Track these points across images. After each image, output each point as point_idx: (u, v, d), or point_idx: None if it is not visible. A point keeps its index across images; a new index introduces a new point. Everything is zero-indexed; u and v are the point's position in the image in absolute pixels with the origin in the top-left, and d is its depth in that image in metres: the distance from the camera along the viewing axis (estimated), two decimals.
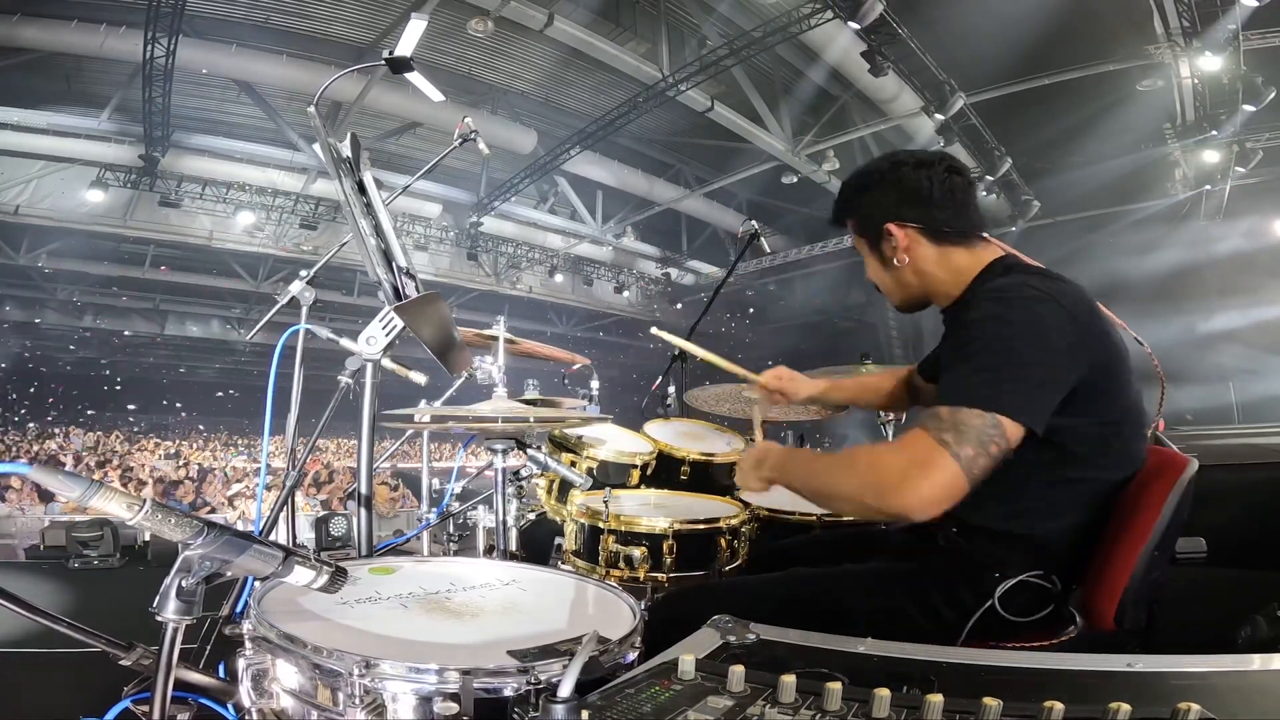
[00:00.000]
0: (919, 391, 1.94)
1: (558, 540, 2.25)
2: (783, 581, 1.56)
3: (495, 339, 2.13)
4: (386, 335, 1.74)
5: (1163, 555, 1.39)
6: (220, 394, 25.77)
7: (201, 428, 24.88)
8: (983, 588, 1.35)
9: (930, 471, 1.17)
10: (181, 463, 14.08)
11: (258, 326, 3.14)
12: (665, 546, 1.94)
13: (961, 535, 1.41)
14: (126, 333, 19.73)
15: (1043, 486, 1.35)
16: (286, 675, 1.01)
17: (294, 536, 2.80)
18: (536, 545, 2.38)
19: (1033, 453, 1.27)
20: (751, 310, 20.15)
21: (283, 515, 2.03)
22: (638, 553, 1.92)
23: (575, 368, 3.02)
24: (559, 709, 0.75)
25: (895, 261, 1.51)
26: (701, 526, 1.99)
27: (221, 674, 1.23)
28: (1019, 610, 1.34)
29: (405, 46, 2.67)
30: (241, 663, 1.05)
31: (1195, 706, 0.65)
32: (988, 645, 1.43)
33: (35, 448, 14.91)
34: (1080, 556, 1.39)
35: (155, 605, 0.92)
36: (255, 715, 1.04)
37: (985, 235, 1.53)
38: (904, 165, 1.49)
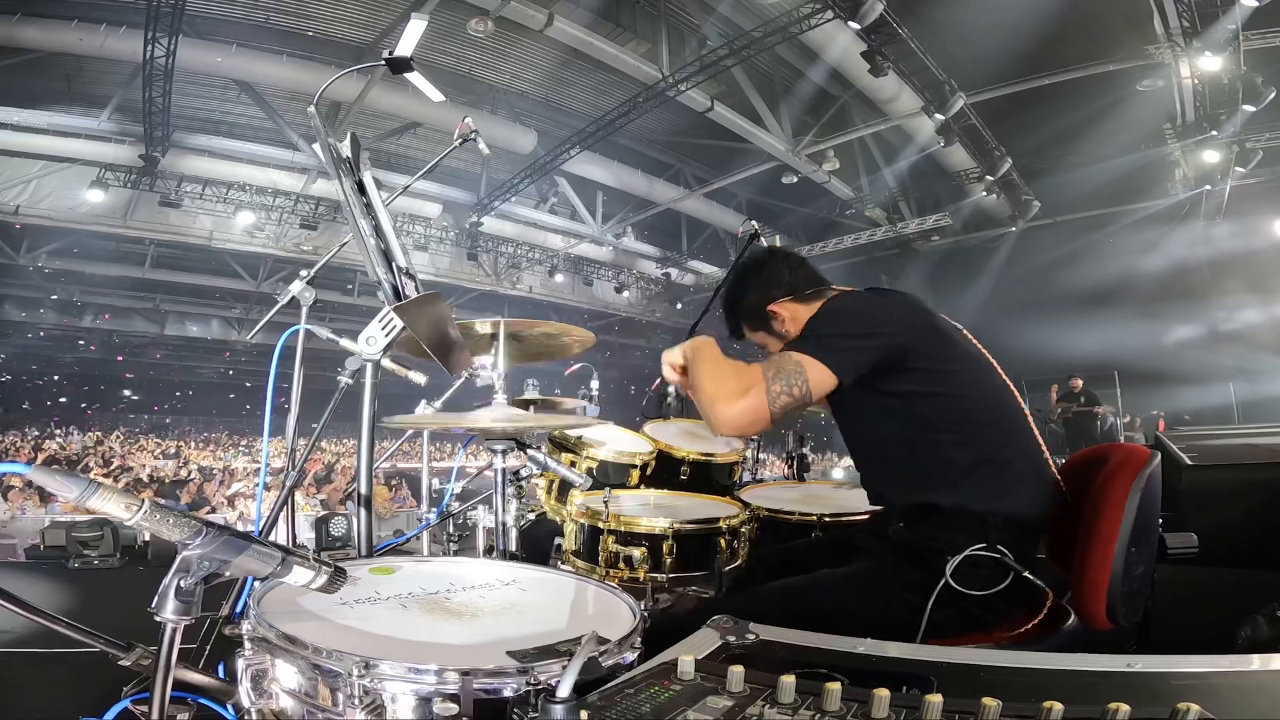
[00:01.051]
0: None
1: (557, 540, 2.24)
2: (762, 594, 1.66)
3: (495, 337, 2.13)
4: (386, 335, 1.73)
5: (1142, 550, 1.43)
6: (220, 394, 25.78)
7: (201, 428, 24.89)
8: (937, 571, 1.44)
9: (745, 396, 1.47)
10: (182, 463, 14.09)
11: (258, 326, 3.14)
12: (665, 547, 1.94)
13: (907, 528, 1.54)
14: (126, 333, 19.73)
15: (941, 460, 1.52)
16: (286, 675, 1.01)
17: (294, 537, 2.80)
18: (536, 545, 2.37)
19: (897, 422, 1.56)
20: None
21: (283, 515, 2.03)
22: (637, 553, 1.92)
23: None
24: (558, 709, 0.75)
25: (790, 331, 1.76)
26: (701, 527, 1.99)
27: (221, 674, 1.23)
28: (980, 587, 1.44)
29: (405, 46, 2.67)
30: (241, 663, 1.04)
31: (1195, 706, 0.65)
32: (984, 635, 1.47)
33: (34, 448, 14.92)
34: (1025, 534, 1.50)
35: (154, 605, 0.92)
36: (255, 715, 1.04)
37: (833, 286, 1.84)
38: (750, 269, 1.85)
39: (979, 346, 1.69)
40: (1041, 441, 1.62)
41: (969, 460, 1.51)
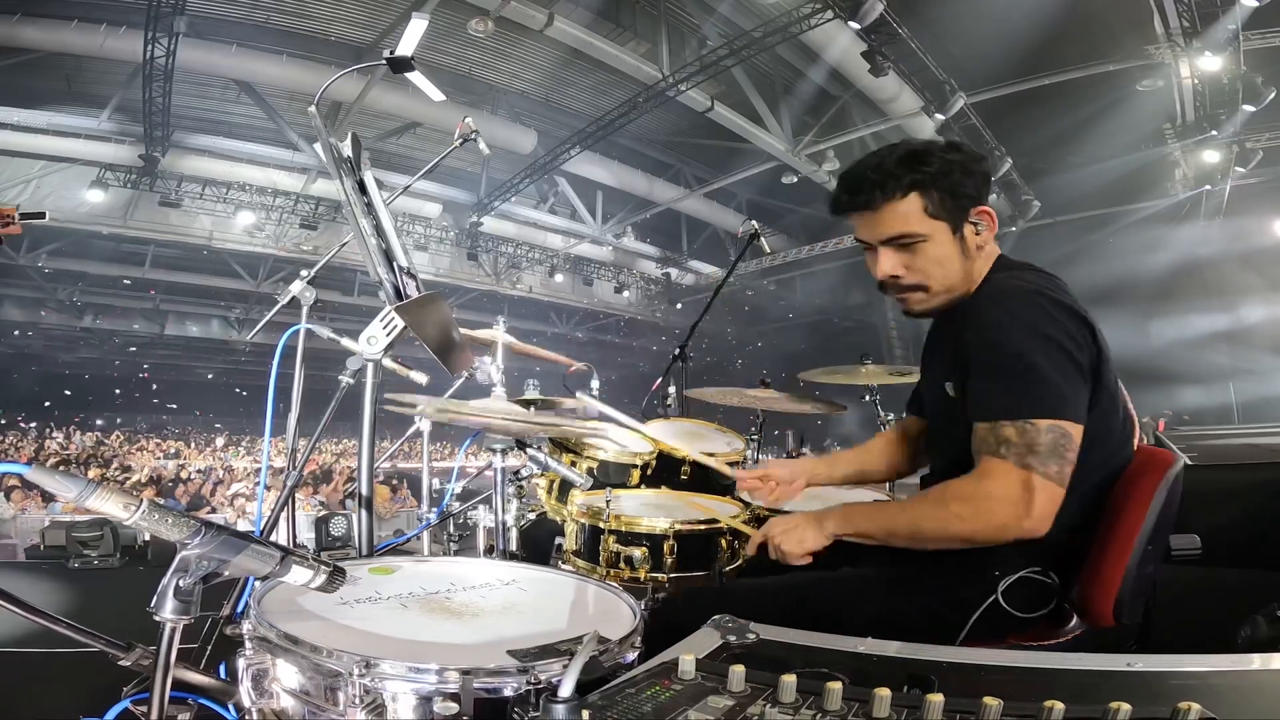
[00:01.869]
0: (917, 438, 1.84)
1: (558, 540, 2.24)
2: (782, 586, 1.54)
3: (494, 342, 2.14)
4: (387, 335, 1.73)
5: (1155, 550, 1.42)
6: (220, 394, 25.77)
7: (201, 428, 24.89)
8: (983, 585, 1.36)
9: (1033, 501, 1.23)
10: (182, 463, 14.09)
11: (258, 326, 3.14)
12: (666, 547, 1.94)
13: None
14: (126, 332, 19.73)
15: None
16: (287, 675, 1.01)
17: (294, 536, 2.80)
18: (537, 545, 2.37)
19: None
20: (751, 310, 20.15)
21: (283, 515, 2.03)
22: (638, 553, 1.92)
23: (573, 369, 3.02)
24: (559, 709, 0.75)
25: (976, 250, 1.41)
26: (702, 527, 1.99)
27: (222, 674, 1.23)
28: (1020, 607, 1.36)
29: (406, 46, 2.67)
30: (242, 663, 1.04)
31: (1195, 706, 0.65)
32: (987, 641, 1.45)
33: (34, 448, 14.92)
34: (1075, 553, 1.41)
35: (153, 605, 0.92)
36: (256, 715, 1.04)
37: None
38: (955, 158, 1.38)
39: None
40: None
41: (1077, 481, 1.32)
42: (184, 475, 11.29)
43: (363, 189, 1.81)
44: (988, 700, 0.68)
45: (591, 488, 2.11)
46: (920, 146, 1.39)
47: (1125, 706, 0.65)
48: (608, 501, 1.96)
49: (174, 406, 26.65)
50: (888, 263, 1.41)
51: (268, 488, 3.87)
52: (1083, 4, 8.41)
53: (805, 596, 1.48)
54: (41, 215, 2.53)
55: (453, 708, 0.92)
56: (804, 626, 1.08)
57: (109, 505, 0.87)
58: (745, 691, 0.79)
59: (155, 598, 0.92)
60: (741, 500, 2.29)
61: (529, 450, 1.90)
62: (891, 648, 1.01)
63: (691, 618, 1.09)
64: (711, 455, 2.62)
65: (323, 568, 1.05)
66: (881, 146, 1.45)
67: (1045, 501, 1.23)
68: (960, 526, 1.29)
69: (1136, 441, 1.54)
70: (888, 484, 2.79)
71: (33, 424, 20.51)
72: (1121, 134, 10.75)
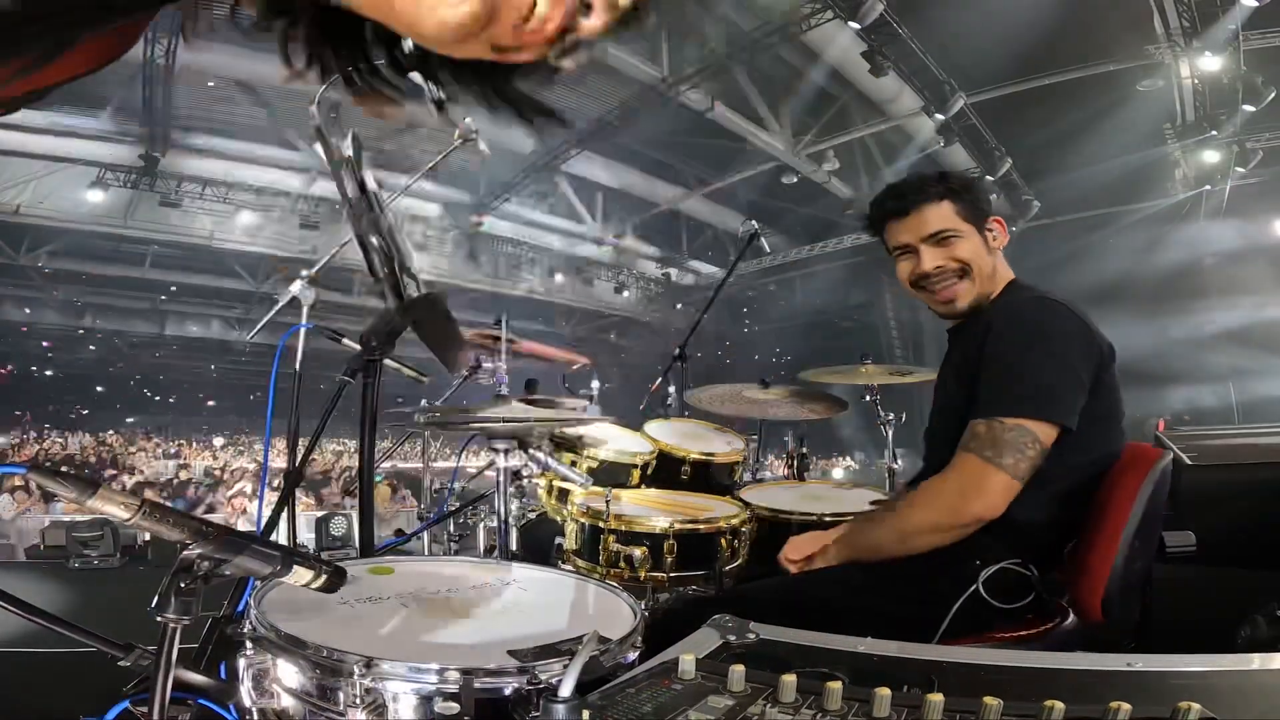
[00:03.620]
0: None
1: (558, 540, 2.24)
2: (778, 585, 1.62)
3: (497, 339, 2.14)
4: (387, 335, 1.73)
5: (1144, 546, 1.44)
6: (220, 394, 25.77)
7: (202, 428, 24.88)
8: (963, 576, 1.42)
9: (984, 487, 1.38)
10: (182, 463, 14.09)
11: (258, 326, 3.14)
12: (666, 546, 1.94)
13: None
14: (126, 332, 19.73)
15: (1043, 476, 1.43)
16: (287, 675, 1.01)
17: (294, 536, 2.80)
18: (537, 545, 2.37)
19: None
20: (751, 310, 20.15)
21: (283, 515, 2.03)
22: (638, 553, 1.92)
23: (576, 368, 3.02)
24: (559, 709, 0.75)
25: (994, 249, 1.67)
26: (702, 526, 1.99)
27: (222, 674, 1.23)
28: (1000, 598, 1.43)
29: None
30: (242, 663, 1.04)
31: (1195, 706, 0.65)
32: (978, 637, 1.47)
33: (34, 448, 14.92)
34: (1056, 546, 1.50)
35: (154, 605, 0.92)
36: (256, 715, 1.04)
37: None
38: (974, 183, 1.71)
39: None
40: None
41: (1052, 479, 1.46)
42: (184, 475, 11.29)
43: (363, 189, 1.80)
44: (988, 700, 0.68)
45: (591, 487, 2.11)
46: (941, 173, 1.71)
47: (1125, 706, 0.65)
48: (608, 501, 1.96)
49: (174, 406, 26.65)
50: (930, 257, 1.65)
51: (274, 488, 3.87)
52: (1083, 4, 8.42)
53: (799, 594, 1.55)
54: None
55: (453, 707, 0.92)
56: (798, 624, 1.09)
57: (110, 506, 0.87)
58: (745, 691, 0.79)
59: (156, 598, 0.92)
60: (742, 500, 2.29)
61: (530, 450, 1.90)
62: (892, 648, 1.01)
63: (691, 618, 1.10)
64: (711, 455, 2.64)
65: (324, 568, 1.05)
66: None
67: (997, 489, 1.38)
68: (923, 516, 1.45)
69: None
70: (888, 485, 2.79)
71: (32, 424, 20.51)
72: (1121, 134, 10.74)
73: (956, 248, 1.64)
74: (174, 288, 16.73)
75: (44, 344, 20.76)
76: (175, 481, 10.37)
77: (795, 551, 1.64)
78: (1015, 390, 1.41)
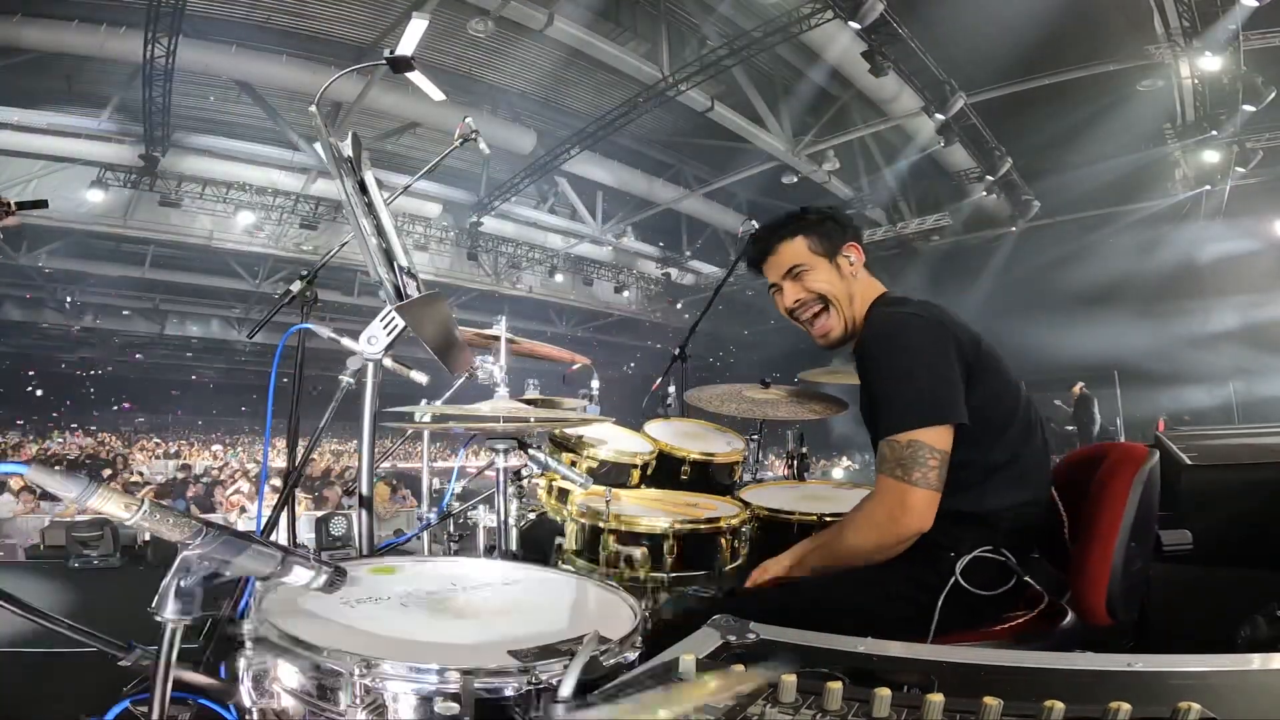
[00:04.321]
0: None
1: (558, 540, 2.24)
2: (765, 587, 1.66)
3: (496, 339, 2.14)
4: (387, 335, 1.73)
5: (1141, 546, 1.46)
6: (220, 394, 25.78)
7: (201, 428, 24.89)
8: (943, 569, 1.48)
9: (906, 506, 1.46)
10: (182, 463, 14.09)
11: (258, 326, 3.13)
12: (666, 546, 1.94)
13: None
14: (126, 332, 19.73)
15: (966, 463, 1.52)
16: (288, 675, 1.01)
17: (294, 536, 2.80)
18: (537, 545, 2.37)
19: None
20: (751, 310, 20.14)
21: (283, 515, 2.03)
22: (638, 553, 1.92)
23: (575, 368, 3.02)
24: (560, 709, 0.75)
25: (851, 275, 1.75)
26: (702, 526, 1.99)
27: (222, 674, 1.23)
28: (982, 586, 1.48)
29: (406, 46, 2.68)
30: (242, 663, 1.04)
31: (1195, 706, 0.65)
32: (977, 631, 1.50)
33: (34, 448, 14.91)
34: (1028, 529, 1.55)
35: (154, 605, 0.92)
36: (256, 715, 1.04)
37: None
38: (827, 212, 1.79)
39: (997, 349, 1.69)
40: (1049, 455, 1.64)
41: (991, 464, 1.54)
42: (183, 475, 11.29)
43: (363, 189, 1.81)
44: (988, 700, 0.68)
45: (591, 487, 2.11)
46: (800, 208, 1.82)
47: (1125, 706, 0.65)
48: (608, 501, 1.96)
49: (173, 406, 26.65)
50: (789, 293, 1.77)
51: (277, 489, 3.87)
52: (1083, 4, 8.41)
53: (807, 592, 1.59)
54: (43, 204, 2.52)
55: (453, 708, 0.92)
56: (796, 624, 1.09)
57: (110, 505, 0.87)
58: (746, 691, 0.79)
59: (156, 598, 0.93)
60: (742, 500, 2.29)
61: (530, 450, 1.90)
62: (892, 648, 1.01)
63: (691, 618, 1.10)
64: (711, 455, 2.64)
65: (324, 568, 1.05)
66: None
67: (918, 505, 1.46)
68: (863, 539, 1.53)
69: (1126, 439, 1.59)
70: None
71: (33, 424, 20.50)
72: (1121, 134, 10.74)
73: (809, 280, 1.73)
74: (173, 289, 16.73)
75: (44, 344, 20.75)
76: (175, 481, 10.37)
77: (761, 575, 1.70)
78: (896, 408, 1.51)
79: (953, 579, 1.46)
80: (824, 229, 1.76)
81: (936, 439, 1.47)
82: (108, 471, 10.95)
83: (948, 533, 1.50)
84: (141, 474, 11.32)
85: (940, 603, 1.45)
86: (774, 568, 1.69)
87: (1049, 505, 1.62)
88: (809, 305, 1.76)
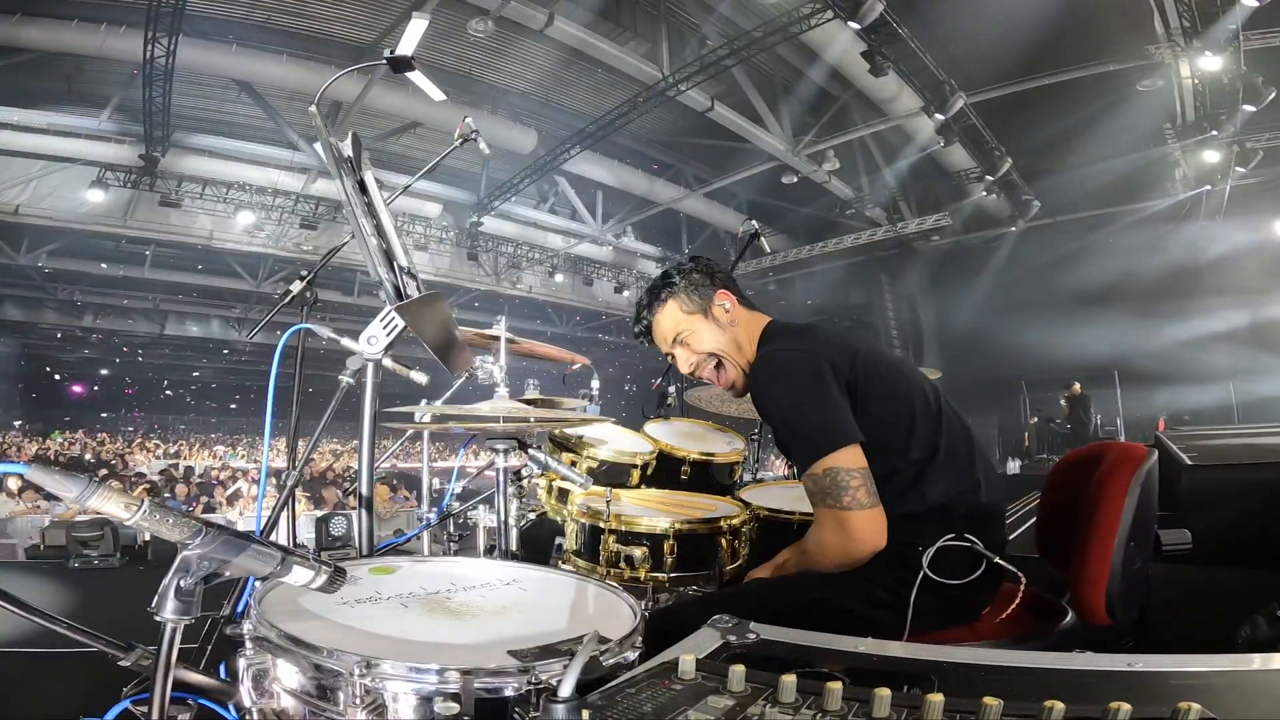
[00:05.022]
0: None
1: (558, 540, 2.24)
2: (765, 588, 1.67)
3: (496, 339, 2.14)
4: (387, 335, 1.73)
5: (1140, 546, 1.46)
6: (220, 394, 25.78)
7: (201, 428, 24.88)
8: (913, 565, 1.49)
9: (850, 531, 1.49)
10: (181, 463, 14.09)
11: (258, 326, 3.13)
12: (666, 546, 1.94)
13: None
14: (126, 332, 19.73)
15: (889, 469, 1.55)
16: (287, 675, 1.01)
17: (294, 536, 2.80)
18: (537, 545, 2.37)
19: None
20: None
21: (283, 515, 2.03)
22: (638, 553, 1.92)
23: (575, 367, 3.02)
24: (560, 709, 0.75)
25: (730, 323, 1.75)
26: (702, 527, 1.99)
27: (222, 674, 1.23)
28: (954, 575, 1.48)
29: (406, 46, 2.67)
30: (242, 663, 1.04)
31: (1195, 706, 0.65)
32: (971, 626, 1.52)
33: (34, 447, 14.91)
34: (983, 515, 1.57)
35: (154, 605, 0.92)
36: (256, 715, 1.04)
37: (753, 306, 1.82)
38: (689, 267, 1.79)
39: (881, 350, 1.73)
40: (972, 433, 1.66)
41: (916, 460, 1.55)
42: (183, 475, 11.29)
43: (363, 189, 1.81)
44: (988, 700, 0.68)
45: (591, 487, 2.11)
46: (662, 271, 1.84)
47: (1125, 706, 0.65)
48: (608, 501, 1.96)
49: (174, 406, 26.65)
50: (682, 359, 1.78)
51: (281, 487, 3.86)
52: (1083, 4, 8.41)
53: (788, 593, 1.61)
54: None
55: (453, 708, 0.92)
56: (795, 624, 1.09)
57: (111, 505, 0.87)
58: (745, 691, 0.79)
59: (156, 598, 0.93)
60: (742, 500, 2.29)
61: (529, 450, 1.90)
62: (892, 648, 1.01)
63: (691, 618, 1.10)
64: (711, 455, 2.64)
65: (324, 568, 1.05)
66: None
67: (863, 526, 1.49)
68: (828, 562, 1.55)
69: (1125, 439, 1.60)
70: None
71: (32, 424, 20.50)
72: (1121, 134, 10.75)
73: (694, 343, 1.75)
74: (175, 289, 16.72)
75: (44, 344, 20.75)
76: (175, 481, 10.36)
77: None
78: (802, 443, 1.55)
79: (921, 573, 1.47)
80: (690, 288, 1.76)
81: (848, 459, 1.49)
82: (103, 472, 10.95)
83: (910, 531, 1.52)
84: (143, 474, 11.32)
85: (914, 595, 1.45)
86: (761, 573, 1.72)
87: (993, 477, 1.64)
88: (703, 365, 1.77)
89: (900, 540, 1.51)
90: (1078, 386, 11.70)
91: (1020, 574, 1.54)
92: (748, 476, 3.09)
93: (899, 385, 1.62)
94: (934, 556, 1.48)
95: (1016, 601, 1.58)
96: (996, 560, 1.51)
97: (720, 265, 1.83)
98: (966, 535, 1.50)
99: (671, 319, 1.77)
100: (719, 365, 1.76)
